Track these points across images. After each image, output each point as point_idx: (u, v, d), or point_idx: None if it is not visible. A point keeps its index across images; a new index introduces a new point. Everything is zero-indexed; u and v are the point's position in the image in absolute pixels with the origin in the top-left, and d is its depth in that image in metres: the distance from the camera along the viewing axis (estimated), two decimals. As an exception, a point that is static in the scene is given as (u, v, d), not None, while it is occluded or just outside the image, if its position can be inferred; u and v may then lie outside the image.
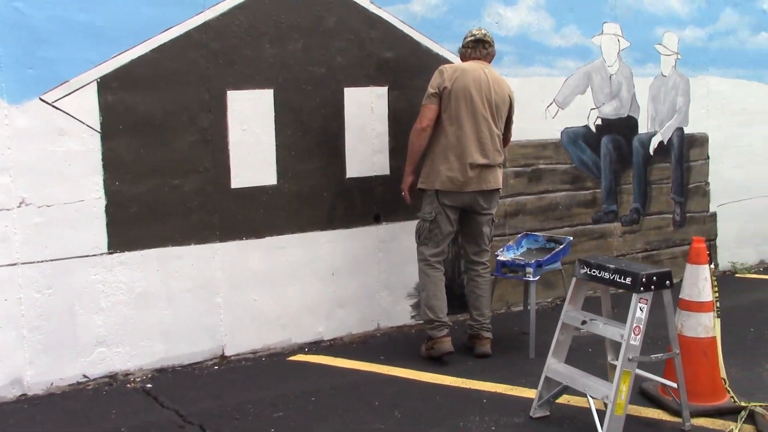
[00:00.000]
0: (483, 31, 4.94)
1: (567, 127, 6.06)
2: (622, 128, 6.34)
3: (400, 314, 5.46)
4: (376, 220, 5.31)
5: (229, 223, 4.79)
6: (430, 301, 4.73)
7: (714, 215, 6.95)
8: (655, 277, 3.54)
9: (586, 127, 6.16)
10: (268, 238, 4.93)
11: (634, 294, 3.52)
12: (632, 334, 3.50)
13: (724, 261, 7.04)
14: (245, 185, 4.83)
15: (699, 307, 3.93)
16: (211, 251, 4.75)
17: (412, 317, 5.50)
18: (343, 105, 5.13)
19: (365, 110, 5.21)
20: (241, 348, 4.91)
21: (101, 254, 4.43)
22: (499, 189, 4.85)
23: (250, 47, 4.77)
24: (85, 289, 4.40)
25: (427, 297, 4.75)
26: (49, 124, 4.24)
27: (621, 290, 3.70)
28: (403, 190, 4.93)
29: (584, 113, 6.15)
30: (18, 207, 4.19)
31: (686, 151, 6.72)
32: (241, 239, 4.84)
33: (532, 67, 5.85)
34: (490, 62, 4.94)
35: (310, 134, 5.02)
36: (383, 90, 5.26)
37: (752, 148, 7.09)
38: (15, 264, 4.21)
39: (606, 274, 3.67)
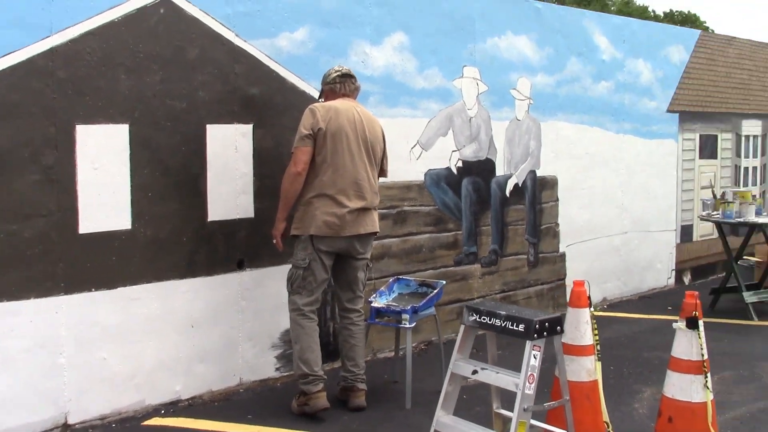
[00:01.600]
0: (346, 68, 4.79)
1: (430, 169, 6.03)
2: (481, 170, 6.41)
3: (265, 367, 5.11)
4: (240, 266, 4.95)
5: (76, 272, 4.26)
6: (305, 354, 4.43)
7: (563, 255, 7.18)
8: (547, 323, 3.49)
9: (448, 169, 6.16)
10: (120, 289, 4.44)
11: (527, 341, 3.43)
12: (527, 383, 3.41)
13: (573, 299, 7.26)
14: (95, 230, 4.33)
15: (581, 351, 3.93)
16: (55, 305, 4.19)
17: (277, 369, 5.16)
18: (205, 143, 4.77)
19: (229, 149, 4.88)
20: (88, 414, 4.35)
21: None
22: (376, 232, 4.68)
23: (103, 78, 4.32)
24: None
25: (300, 350, 4.45)
26: None
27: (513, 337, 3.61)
28: (275, 237, 4.63)
29: (446, 155, 6.15)
30: None
31: (538, 193, 6.90)
32: (90, 291, 4.32)
33: (396, 108, 5.77)
34: (356, 98, 4.78)
35: (169, 174, 4.61)
36: (248, 128, 4.96)
37: (594, 191, 7.42)
38: None
39: (497, 321, 3.57)
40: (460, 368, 3.69)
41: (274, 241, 4.65)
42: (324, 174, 4.46)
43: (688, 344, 3.62)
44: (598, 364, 3.95)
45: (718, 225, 7.24)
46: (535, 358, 3.43)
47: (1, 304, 4.01)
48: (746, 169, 9.43)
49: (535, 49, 6.81)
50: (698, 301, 3.65)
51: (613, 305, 7.56)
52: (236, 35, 4.88)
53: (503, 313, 3.56)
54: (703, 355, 3.61)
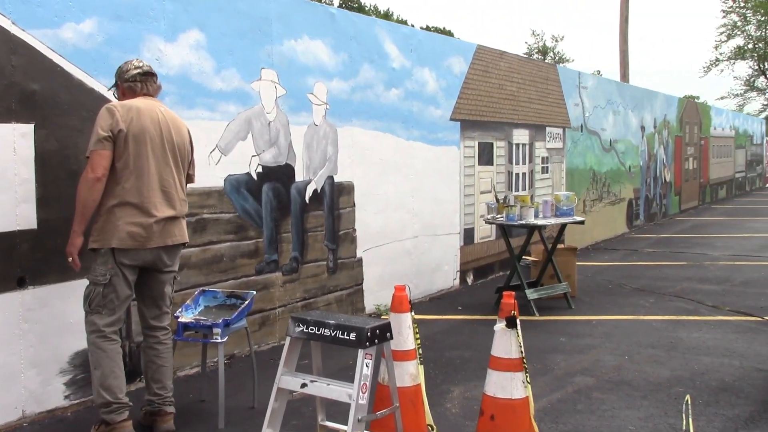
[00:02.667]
0: (146, 63, 4.39)
1: (230, 174, 5.76)
2: (281, 176, 6.25)
3: (52, 396, 4.56)
4: (21, 284, 4.38)
5: None
6: (107, 380, 3.98)
7: (360, 260, 7.21)
8: (378, 330, 3.42)
9: (248, 174, 5.93)
10: None
11: (360, 350, 3.34)
12: (360, 393, 3.31)
13: (370, 304, 7.33)
14: None
15: (404, 355, 3.91)
16: None
17: (67, 397, 4.63)
18: (-22, 144, 4.16)
19: (7, 151, 4.30)
20: None
21: None
22: (185, 243, 4.34)
23: None
24: None
25: (102, 375, 3.99)
26: None
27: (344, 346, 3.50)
28: (70, 254, 4.07)
29: (246, 160, 5.91)
30: None
31: (336, 199, 6.87)
32: None
33: (194, 110, 5.45)
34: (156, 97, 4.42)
35: (-68, 180, 3.96)
36: (29, 128, 4.40)
37: (388, 196, 7.55)
38: None
39: (326, 330, 3.45)
40: (288, 382, 3.52)
41: (70, 260, 4.09)
42: (127, 180, 4.04)
43: (508, 343, 3.73)
44: (421, 368, 3.96)
45: (502, 227, 7.67)
46: (367, 366, 3.34)
47: None
48: (517, 174, 10.13)
49: (331, 55, 6.78)
50: (515, 301, 3.77)
51: (407, 308, 7.72)
52: (13, 23, 4.32)
53: (332, 322, 3.44)
54: (522, 353, 3.73)
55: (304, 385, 3.46)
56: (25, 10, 4.36)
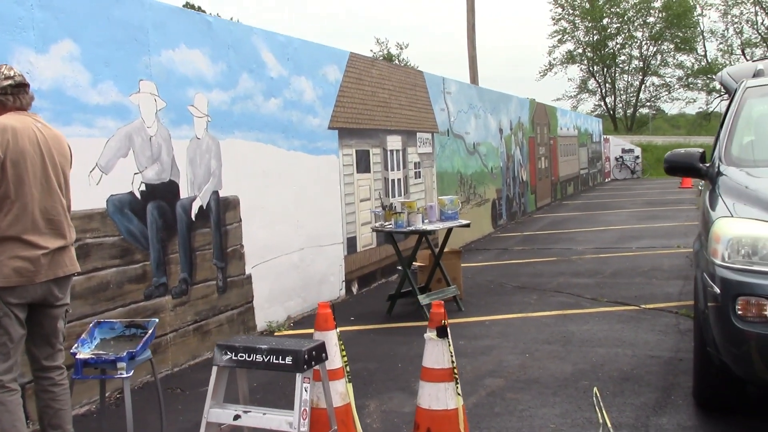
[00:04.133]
0: (17, 71, 3.90)
1: (112, 195, 5.36)
2: (166, 193, 5.90)
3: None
4: None
5: None
6: (9, 436, 3.56)
7: (249, 277, 6.95)
8: (314, 352, 3.26)
9: (132, 193, 5.55)
10: None
11: (298, 374, 3.16)
12: (301, 420, 3.14)
13: (261, 321, 7.08)
14: None
15: (333, 375, 3.76)
16: None
17: (-53, 453, 4.11)
18: None
19: None
20: None
21: None
22: (77, 273, 3.96)
23: None
24: None
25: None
26: None
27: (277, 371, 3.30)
28: None
29: (129, 178, 5.53)
30: None
31: (223, 215, 6.58)
32: None
33: (71, 126, 5.02)
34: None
35: None
36: None
37: (273, 209, 7.33)
38: None
39: (258, 356, 3.25)
40: (218, 415, 3.28)
41: None
42: (8, 212, 3.61)
43: (439, 353, 3.67)
44: (350, 386, 3.83)
45: (390, 234, 7.64)
46: (306, 391, 3.17)
47: None
48: (393, 180, 10.17)
49: (210, 65, 6.49)
50: (444, 310, 3.72)
51: (298, 322, 7.54)
52: None
53: (264, 347, 3.25)
54: (453, 362, 3.68)
55: (237, 417, 3.24)
56: None
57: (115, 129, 5.43)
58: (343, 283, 8.68)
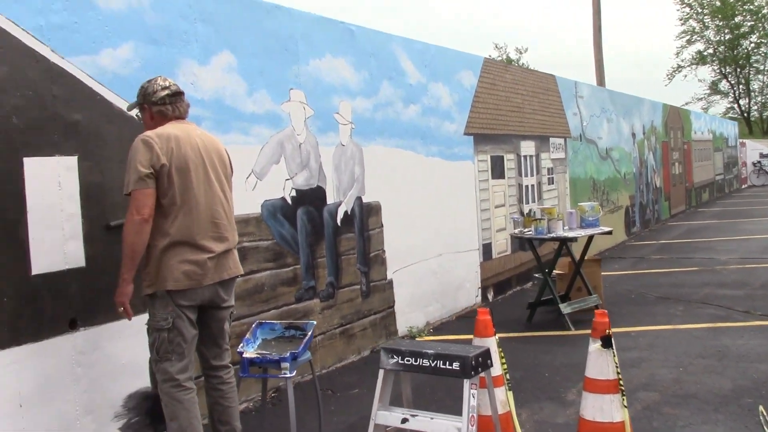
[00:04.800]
0: (172, 81, 4.06)
1: (266, 200, 5.55)
2: (314, 199, 6.05)
3: (108, 443, 4.29)
4: (72, 326, 4.12)
5: None
6: (186, 432, 3.74)
7: (391, 282, 7.02)
8: (480, 358, 3.24)
9: (283, 199, 5.73)
10: (-74, 371, 3.46)
11: (466, 380, 3.15)
12: (470, 426, 3.12)
13: (402, 326, 7.12)
14: None
15: (494, 382, 3.72)
16: None
17: (121, 444, 4.37)
18: (23, 180, 3.91)
19: (52, 186, 4.05)
20: None
21: None
22: (240, 275, 4.11)
23: None
24: None
25: (180, 428, 3.72)
26: None
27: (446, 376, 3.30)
28: (121, 304, 3.78)
29: (280, 184, 5.71)
30: None
31: (366, 220, 6.68)
32: None
33: (229, 134, 5.24)
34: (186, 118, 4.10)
35: (-21, 220, 3.70)
36: (72, 160, 4.16)
37: (412, 215, 7.37)
38: None
39: (425, 360, 3.26)
40: (385, 418, 3.31)
41: (121, 309, 3.82)
42: (175, 218, 3.77)
43: (604, 363, 3.57)
44: (510, 394, 3.78)
45: (530, 241, 7.53)
46: (474, 397, 3.15)
47: None
48: (527, 186, 10.03)
49: (353, 73, 6.62)
50: (608, 319, 3.61)
51: (437, 328, 7.54)
52: (52, 51, 4.08)
53: (431, 351, 3.25)
54: (618, 374, 3.57)
55: (405, 420, 3.26)
56: (64, 36, 4.14)
57: (269, 136, 5.62)
58: (479, 289, 8.62)
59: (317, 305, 6.02)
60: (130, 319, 3.89)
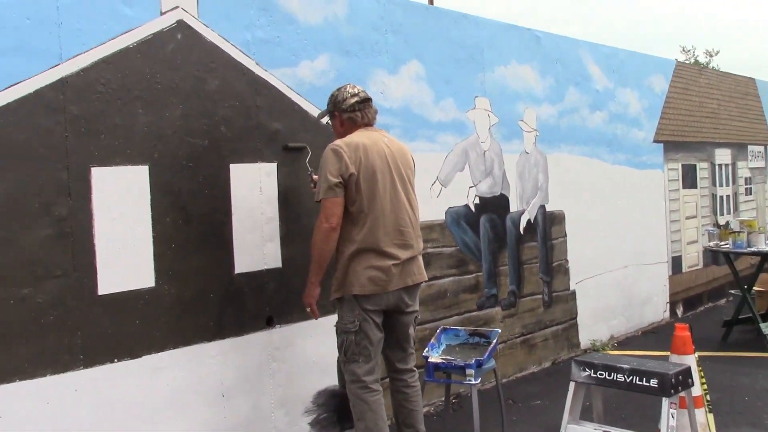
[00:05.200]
0: (360, 88, 4.15)
1: (450, 207, 5.59)
2: (497, 207, 6.02)
3: (298, 436, 4.50)
4: (269, 323, 4.36)
5: (97, 341, 3.59)
6: (372, 434, 3.84)
7: (574, 293, 6.84)
8: (681, 376, 3.07)
9: (467, 206, 5.75)
10: (145, 358, 3.78)
11: (664, 399, 3.00)
12: (668, 447, 2.97)
13: (585, 339, 6.92)
14: (116, 290, 3.67)
15: (693, 402, 3.52)
16: (74, 382, 3.50)
17: (311, 438, 4.56)
18: (230, 185, 4.19)
19: (254, 191, 4.31)
20: None
21: None
22: (424, 281, 4.16)
23: (120, 113, 3.71)
24: None
25: (366, 429, 3.84)
26: None
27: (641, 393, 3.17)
28: (309, 305, 4.00)
29: (464, 192, 5.73)
30: None
31: (549, 229, 6.56)
32: (112, 362, 3.65)
33: (416, 142, 5.33)
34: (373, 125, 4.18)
35: (192, 221, 4.00)
36: (272, 166, 4.41)
37: (597, 224, 7.14)
38: None
39: (620, 375, 3.14)
40: (576, 432, 3.22)
41: (308, 310, 4.04)
42: (363, 225, 3.87)
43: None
44: (711, 417, 3.56)
45: (727, 255, 7.06)
46: (673, 417, 2.99)
47: (14, 385, 3.30)
48: (721, 197, 9.42)
49: (538, 79, 6.53)
50: None
51: (622, 343, 7.25)
52: (256, 64, 4.35)
53: (626, 366, 3.13)
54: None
55: (597, 436, 3.15)
56: (267, 50, 4.39)
57: (453, 144, 5.66)
58: (667, 304, 8.19)
59: (498, 313, 5.98)
60: (316, 319, 4.07)
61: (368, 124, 4.12)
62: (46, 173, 3.44)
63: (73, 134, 3.53)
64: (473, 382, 4.10)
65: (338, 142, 3.96)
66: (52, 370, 3.43)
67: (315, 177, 4.29)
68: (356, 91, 4.10)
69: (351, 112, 4.06)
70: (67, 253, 3.49)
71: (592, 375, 3.22)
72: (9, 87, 3.33)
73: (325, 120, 4.42)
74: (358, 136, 4.00)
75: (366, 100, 4.11)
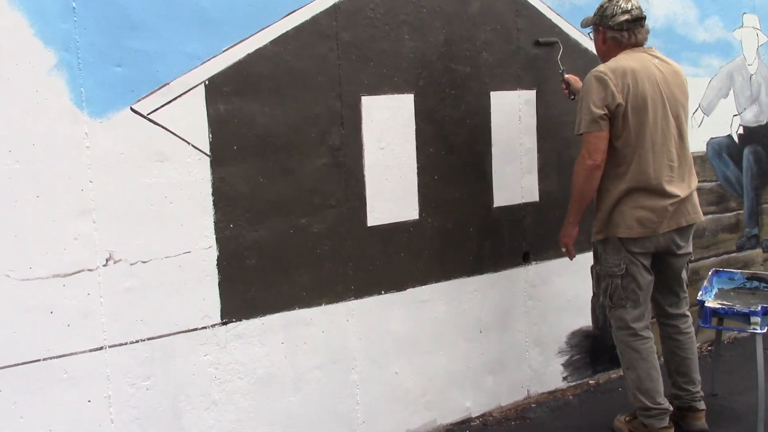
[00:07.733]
0: (635, 4, 3.63)
1: (712, 138, 5.09)
2: (763, 138, 5.41)
3: (552, 377, 4.35)
4: (525, 259, 4.19)
5: (366, 272, 3.59)
6: (644, 383, 3.57)
7: (842, 235, 6.10)
8: None
9: (729, 137, 5.20)
10: (409, 290, 3.75)
11: None
12: None
13: None
14: (384, 222, 3.64)
15: None
16: (346, 312, 3.54)
17: (564, 379, 4.39)
18: (490, 114, 4.00)
19: (512, 120, 4.09)
20: (378, 437, 3.70)
21: (213, 326, 3.17)
22: (699, 221, 3.74)
23: (388, 39, 3.59)
24: (193, 377, 3.12)
25: (638, 379, 3.59)
26: (144, 146, 2.96)
27: None
28: (566, 244, 3.72)
29: (727, 120, 5.19)
30: (104, 266, 2.89)
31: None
32: (380, 293, 3.65)
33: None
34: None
35: (453, 152, 3.87)
36: (531, 94, 4.15)
37: None
38: (101, 348, 2.90)
39: None
40: None
41: (564, 250, 3.77)
42: (630, 162, 3.47)
43: None
44: None
45: None
46: None
47: (294, 312, 3.37)
48: None
49: (814, -9, 5.72)
50: None
51: None
52: (516, -18, 4.06)
53: None
54: None
55: None
56: (528, -31, 4.09)
57: (717, 68, 5.10)
58: None
59: (759, 255, 5.45)
60: (571, 259, 3.81)
61: (636, 45, 3.70)
62: (322, 102, 3.41)
63: (345, 62, 3.46)
64: (759, 330, 3.70)
65: (602, 67, 3.56)
66: (327, 300, 3.47)
67: (567, 76, 3.98)
68: (629, 7, 3.60)
69: (617, 31, 3.61)
70: (340, 184, 3.48)
71: None
72: (288, 15, 3.29)
73: (588, 30, 4.00)
74: (625, 60, 3.56)
75: (638, 19, 3.62)
